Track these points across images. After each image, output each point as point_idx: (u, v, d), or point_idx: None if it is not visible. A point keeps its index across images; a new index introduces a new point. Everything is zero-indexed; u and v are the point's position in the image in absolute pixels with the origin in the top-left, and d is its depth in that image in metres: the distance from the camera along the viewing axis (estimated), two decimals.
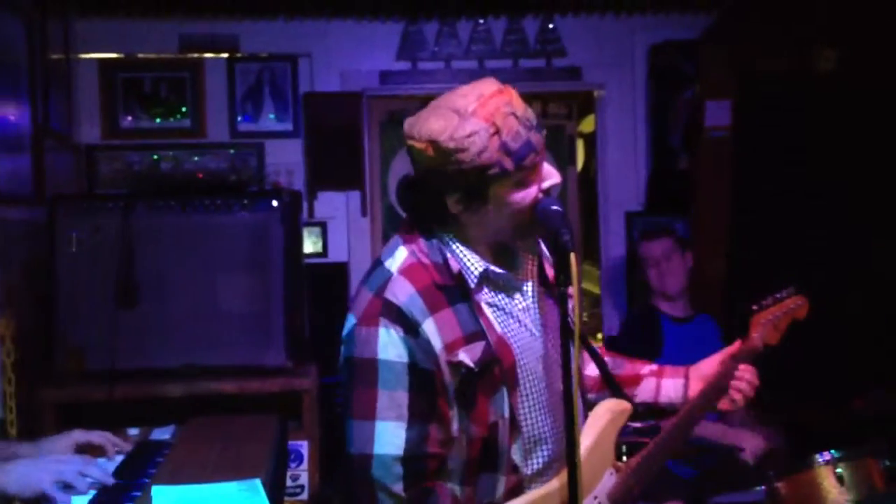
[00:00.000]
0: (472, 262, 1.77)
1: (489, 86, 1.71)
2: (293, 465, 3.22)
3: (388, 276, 1.74)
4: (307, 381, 3.34)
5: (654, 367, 2.11)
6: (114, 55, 4.26)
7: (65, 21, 4.04)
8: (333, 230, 4.38)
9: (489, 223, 1.75)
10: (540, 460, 1.82)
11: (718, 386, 1.99)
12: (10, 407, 3.04)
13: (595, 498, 1.86)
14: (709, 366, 2.06)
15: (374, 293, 1.73)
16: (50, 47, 3.80)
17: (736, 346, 2.06)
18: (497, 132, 1.65)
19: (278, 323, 3.31)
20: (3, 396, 3.06)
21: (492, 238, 1.79)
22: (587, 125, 4.99)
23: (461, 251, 1.77)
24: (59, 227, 3.30)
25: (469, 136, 1.64)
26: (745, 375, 2.00)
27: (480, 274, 1.77)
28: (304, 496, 3.23)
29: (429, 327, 1.70)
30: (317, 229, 4.35)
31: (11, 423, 3.02)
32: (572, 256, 1.68)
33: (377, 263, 1.79)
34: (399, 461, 1.67)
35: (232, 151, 4.31)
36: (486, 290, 1.79)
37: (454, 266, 1.76)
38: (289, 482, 3.18)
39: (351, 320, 1.75)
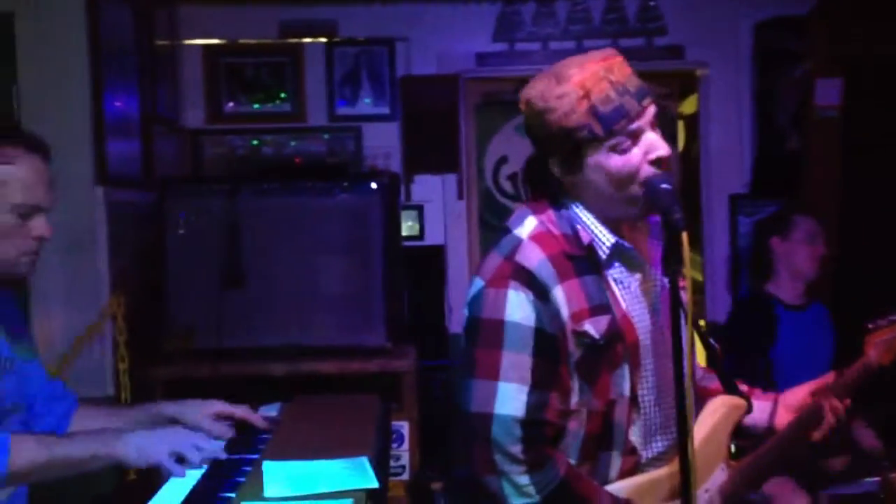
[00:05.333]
0: (603, 234, 1.74)
1: (599, 54, 1.70)
2: (394, 445, 3.25)
3: (519, 242, 1.73)
4: (406, 363, 3.36)
5: (743, 386, 2.04)
6: (217, 41, 4.35)
7: (171, 8, 4.15)
8: (430, 213, 4.39)
9: (592, 190, 1.72)
10: (659, 446, 1.79)
11: (812, 416, 1.94)
12: (124, 384, 3.14)
13: (706, 491, 1.82)
14: (797, 395, 1.99)
15: (504, 257, 1.72)
16: (157, 34, 3.90)
17: (829, 377, 2.01)
18: (586, 95, 1.63)
19: (378, 304, 3.34)
20: (116, 374, 3.17)
21: (605, 208, 1.74)
22: (688, 106, 4.87)
23: (592, 223, 1.75)
24: (167, 210, 3.40)
25: (558, 97, 1.65)
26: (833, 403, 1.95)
27: (612, 246, 1.74)
28: (406, 476, 3.26)
29: (557, 294, 1.68)
30: (413, 212, 4.37)
31: (125, 401, 3.12)
32: (684, 236, 1.63)
33: (506, 231, 1.78)
34: (519, 423, 1.65)
35: (326, 136, 4.36)
36: (615, 264, 1.76)
37: (585, 237, 1.74)
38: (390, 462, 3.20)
39: (478, 283, 1.74)
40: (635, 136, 1.67)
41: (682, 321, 1.68)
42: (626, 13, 4.33)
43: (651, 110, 1.69)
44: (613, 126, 1.64)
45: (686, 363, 1.64)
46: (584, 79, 1.64)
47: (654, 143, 1.69)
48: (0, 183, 1.77)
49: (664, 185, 1.67)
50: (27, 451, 1.69)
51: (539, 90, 1.69)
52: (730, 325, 3.54)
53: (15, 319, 1.95)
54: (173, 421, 1.96)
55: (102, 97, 3.22)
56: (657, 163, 1.69)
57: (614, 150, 1.67)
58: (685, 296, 1.76)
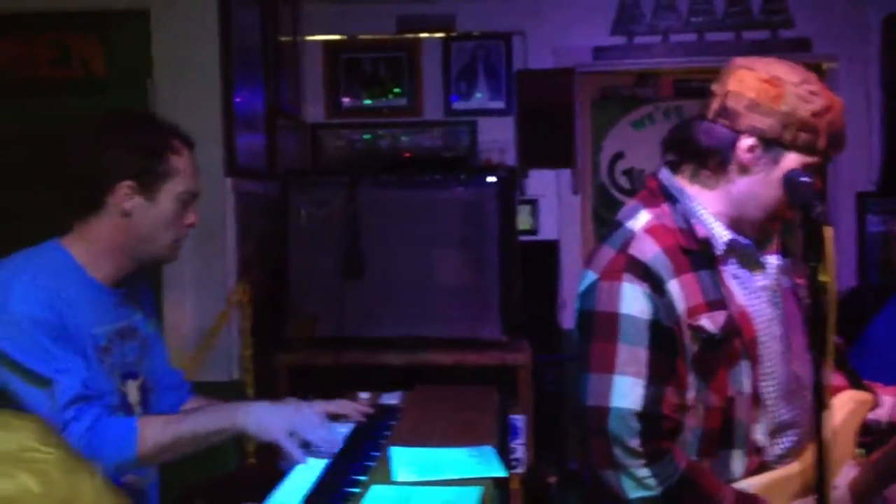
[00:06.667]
0: (719, 230, 1.73)
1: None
2: (510, 438, 3.26)
3: (632, 234, 1.72)
4: (522, 356, 3.36)
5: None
6: (337, 37, 4.44)
7: (294, 6, 4.25)
8: (544, 208, 4.38)
9: (757, 185, 1.71)
10: (785, 444, 1.75)
11: None
12: (248, 369, 3.24)
13: (835, 488, 1.77)
14: None
15: (617, 249, 1.71)
16: (281, 31, 4.01)
17: None
18: (830, 111, 1.67)
19: (494, 298, 3.36)
20: (241, 360, 3.28)
21: (739, 208, 1.73)
22: None
23: (707, 217, 1.74)
24: (290, 201, 3.49)
25: (816, 94, 1.67)
26: None
27: (728, 242, 1.73)
28: (521, 469, 3.26)
29: (673, 287, 1.67)
30: (528, 207, 4.36)
31: (249, 385, 3.22)
32: (827, 231, 1.59)
33: (617, 225, 1.77)
34: (636, 416, 1.64)
35: (435, 131, 4.38)
36: (731, 261, 1.74)
37: (700, 232, 1.72)
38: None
39: (591, 276, 1.73)
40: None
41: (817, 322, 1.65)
42: (750, 5, 4.22)
43: None
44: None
45: (825, 361, 1.60)
46: (834, 102, 1.70)
47: None
48: (174, 171, 1.84)
49: (804, 179, 1.66)
50: (153, 435, 1.73)
51: (798, 77, 1.69)
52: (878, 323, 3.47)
53: (148, 302, 2.04)
54: None
55: (233, 92, 3.33)
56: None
57: (802, 153, 1.69)
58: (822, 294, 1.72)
